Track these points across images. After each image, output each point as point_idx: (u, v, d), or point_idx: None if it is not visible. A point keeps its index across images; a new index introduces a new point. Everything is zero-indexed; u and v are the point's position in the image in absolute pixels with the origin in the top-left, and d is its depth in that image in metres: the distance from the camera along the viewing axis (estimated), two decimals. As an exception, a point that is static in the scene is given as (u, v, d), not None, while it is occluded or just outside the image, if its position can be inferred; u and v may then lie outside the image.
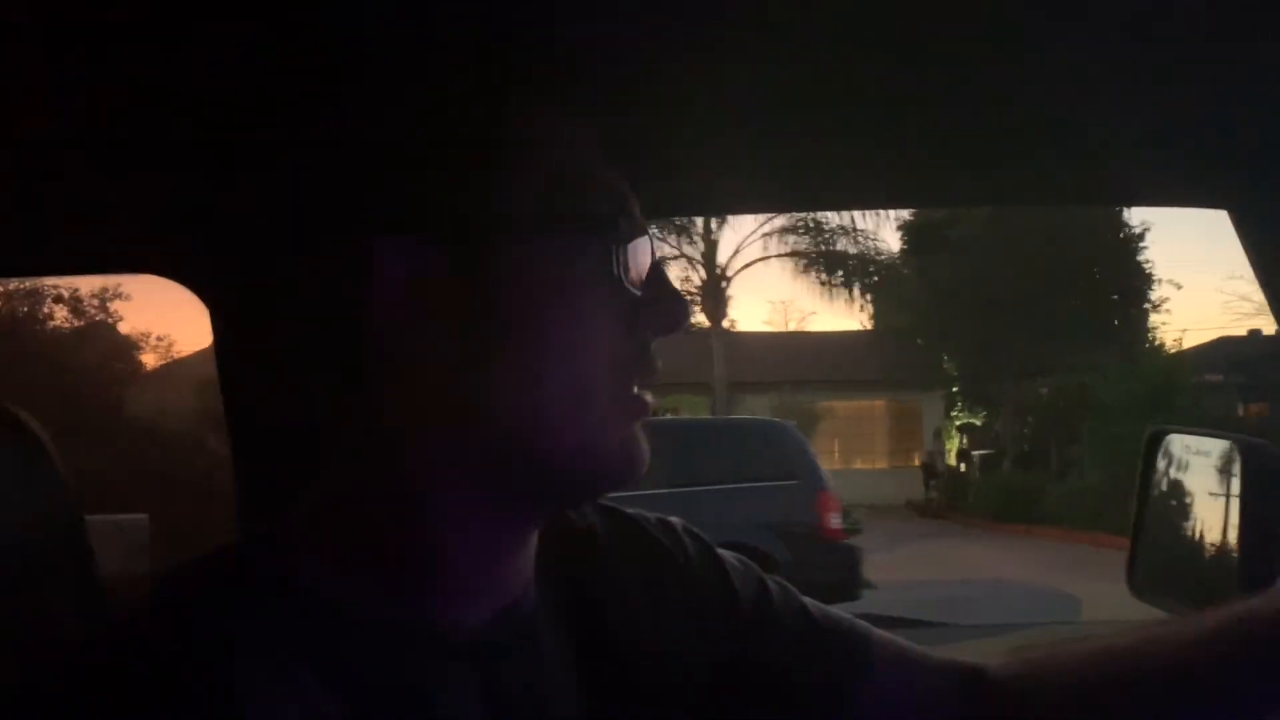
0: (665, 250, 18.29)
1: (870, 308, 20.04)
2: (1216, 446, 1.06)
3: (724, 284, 18.51)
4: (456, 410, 0.54)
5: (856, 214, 17.74)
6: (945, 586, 9.04)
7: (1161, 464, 1.11)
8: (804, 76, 0.79)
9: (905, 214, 18.82)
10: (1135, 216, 17.48)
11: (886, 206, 16.04)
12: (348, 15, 0.60)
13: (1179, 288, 26.58)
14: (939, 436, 19.94)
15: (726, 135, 0.89)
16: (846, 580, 7.04)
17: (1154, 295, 18.32)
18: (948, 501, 17.44)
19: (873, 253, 18.46)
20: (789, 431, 7.50)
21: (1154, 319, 18.45)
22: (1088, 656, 0.73)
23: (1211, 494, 1.03)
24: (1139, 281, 18.08)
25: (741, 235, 20.89)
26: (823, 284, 18.42)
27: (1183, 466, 1.09)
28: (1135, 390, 12.04)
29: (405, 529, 0.55)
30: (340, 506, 0.56)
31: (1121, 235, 17.83)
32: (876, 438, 21.31)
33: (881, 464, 20.90)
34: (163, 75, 0.71)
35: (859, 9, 0.69)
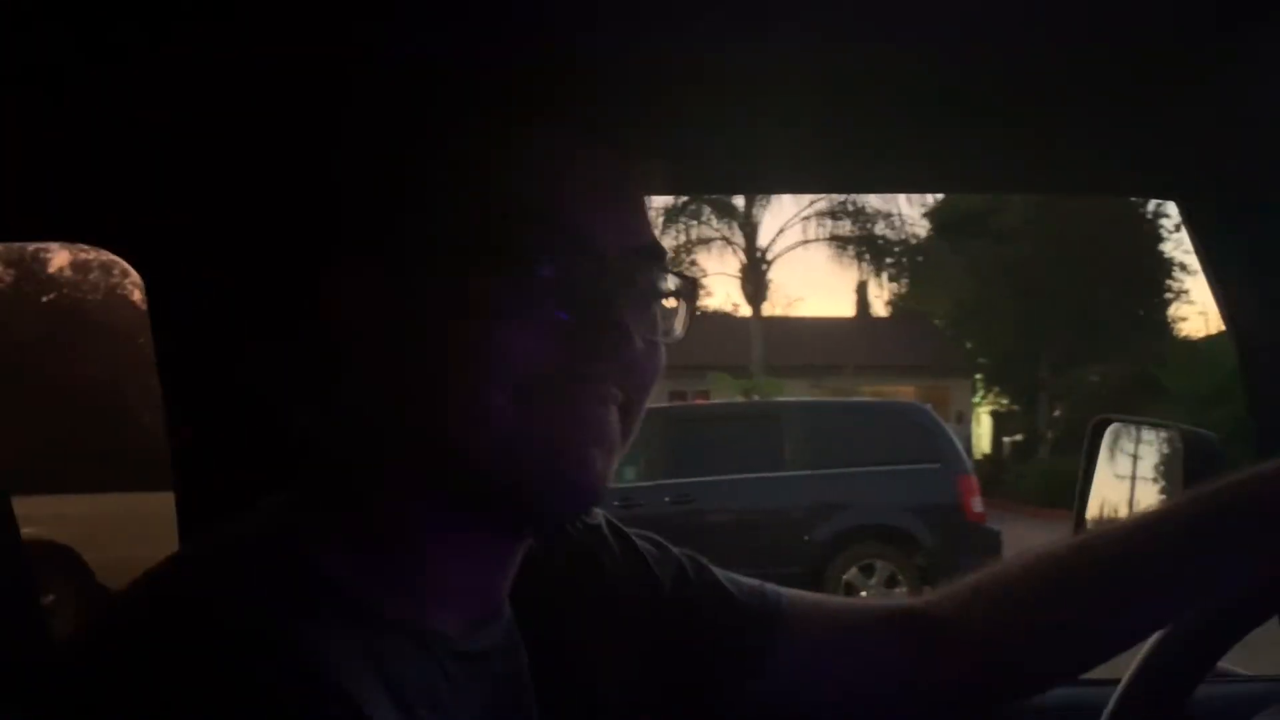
0: (706, 233, 18.27)
1: (902, 292, 20.14)
2: (1160, 436, 1.06)
3: (764, 267, 18.50)
4: (402, 431, 0.57)
5: (898, 200, 17.78)
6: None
7: (1107, 452, 1.11)
8: (814, 62, 0.82)
9: (934, 201, 18.94)
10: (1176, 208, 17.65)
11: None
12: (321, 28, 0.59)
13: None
14: (961, 421, 20.11)
15: (750, 117, 0.92)
16: (990, 563, 7.10)
17: (1191, 286, 18.54)
18: (984, 486, 17.58)
19: (911, 238, 18.53)
20: (928, 415, 7.53)
21: (1188, 310, 18.69)
22: (1021, 571, 0.75)
23: (1154, 483, 1.03)
24: (1180, 273, 18.31)
25: (782, 219, 20.89)
26: (861, 269, 18.46)
27: (1128, 455, 1.10)
28: (1205, 379, 12.15)
29: (392, 538, 0.57)
30: (342, 508, 0.57)
31: (1163, 225, 18.04)
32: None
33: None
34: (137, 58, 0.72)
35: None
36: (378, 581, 0.55)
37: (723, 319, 20.66)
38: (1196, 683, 0.81)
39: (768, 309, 19.84)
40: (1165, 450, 1.04)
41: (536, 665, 0.63)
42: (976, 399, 21.92)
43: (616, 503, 7.05)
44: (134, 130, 0.85)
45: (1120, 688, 0.81)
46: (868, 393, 19.49)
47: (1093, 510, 1.11)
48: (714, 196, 17.67)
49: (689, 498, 7.06)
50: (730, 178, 1.30)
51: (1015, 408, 20.27)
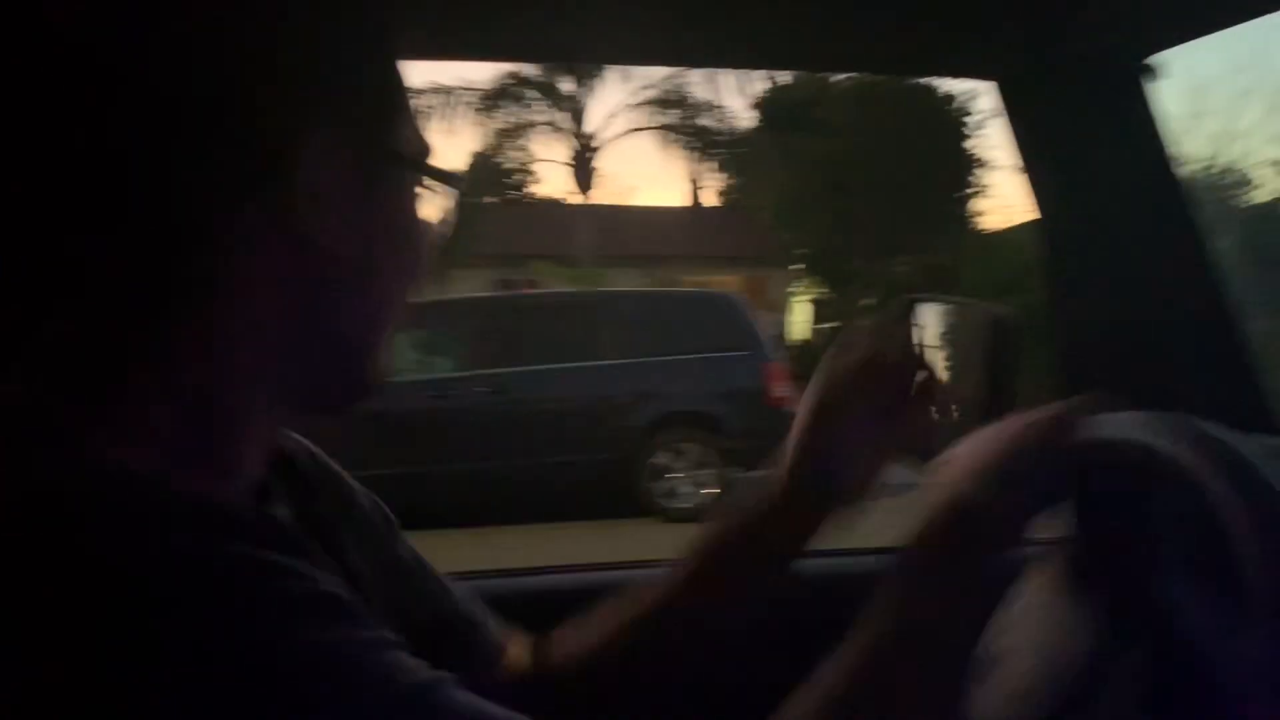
0: (532, 117, 17.92)
1: (729, 184, 20.43)
2: (966, 313, 1.11)
3: (591, 155, 18.37)
4: (297, 320, 0.55)
5: (724, 91, 17.88)
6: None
7: (916, 330, 1.15)
8: None
9: (762, 93, 19.16)
10: (987, 102, 18.47)
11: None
12: None
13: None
14: (777, 310, 20.86)
15: None
16: (790, 444, 7.54)
17: (992, 181, 19.59)
18: (797, 371, 18.41)
19: (736, 130, 18.73)
20: (737, 304, 7.79)
21: (988, 204, 19.68)
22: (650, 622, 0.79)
23: (958, 356, 1.07)
24: (980, 169, 19.27)
25: (611, 106, 20.59)
26: (688, 158, 18.59)
27: (936, 332, 1.13)
28: (998, 270, 12.98)
29: (202, 419, 0.54)
30: (134, 388, 0.52)
31: (967, 123, 18.86)
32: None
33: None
34: None
35: None
36: (164, 463, 0.51)
37: (553, 207, 20.50)
38: None
39: (602, 198, 19.81)
40: (968, 326, 1.06)
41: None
42: (796, 288, 22.73)
43: (431, 394, 7.04)
44: None
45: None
46: (692, 283, 19.93)
47: None
48: (538, 80, 17.34)
49: (504, 388, 7.13)
50: (544, 44, 1.24)
51: (832, 296, 21.16)
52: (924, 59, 1.32)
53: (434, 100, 16.78)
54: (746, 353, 7.43)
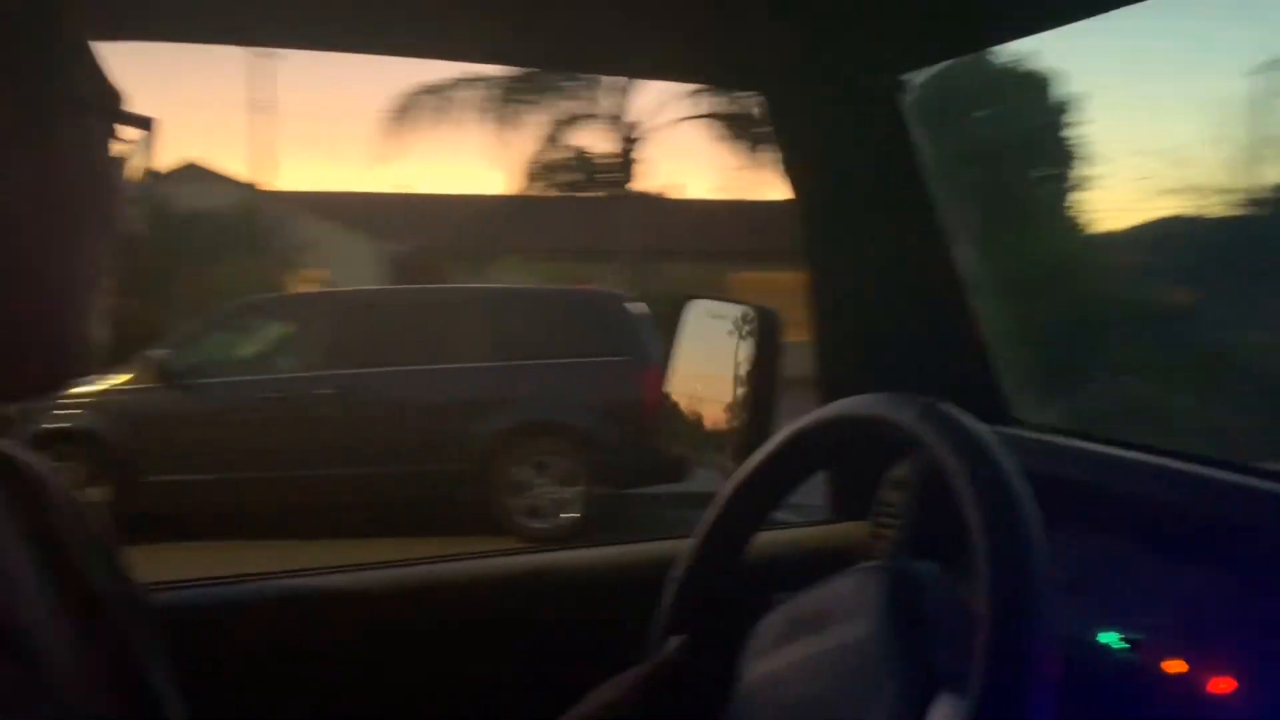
0: (579, 109, 17.45)
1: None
2: (736, 312, 1.16)
3: (631, 146, 17.76)
4: None
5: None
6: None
7: (691, 328, 1.22)
8: None
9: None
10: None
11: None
12: None
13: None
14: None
15: None
16: (674, 461, 6.73)
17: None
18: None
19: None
20: (619, 304, 7.04)
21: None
22: None
23: (730, 355, 1.14)
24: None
25: (654, 96, 19.92)
26: (750, 149, 17.69)
27: (710, 330, 1.20)
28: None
29: None
30: None
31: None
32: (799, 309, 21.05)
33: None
34: None
35: None
36: None
37: (606, 202, 19.97)
38: (755, 530, 0.87)
39: (649, 190, 19.19)
40: (740, 323, 1.13)
41: None
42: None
43: (265, 394, 6.64)
44: None
45: (692, 541, 0.87)
46: (751, 280, 19.06)
47: (685, 371, 1.23)
48: (572, 75, 16.84)
49: (350, 389, 6.64)
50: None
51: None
52: (698, 70, 1.44)
53: (466, 93, 16.50)
54: (622, 358, 6.70)
